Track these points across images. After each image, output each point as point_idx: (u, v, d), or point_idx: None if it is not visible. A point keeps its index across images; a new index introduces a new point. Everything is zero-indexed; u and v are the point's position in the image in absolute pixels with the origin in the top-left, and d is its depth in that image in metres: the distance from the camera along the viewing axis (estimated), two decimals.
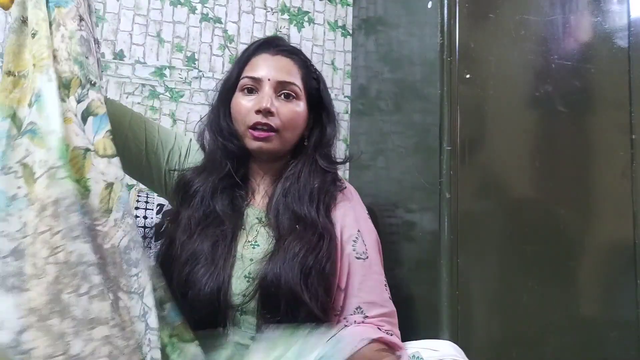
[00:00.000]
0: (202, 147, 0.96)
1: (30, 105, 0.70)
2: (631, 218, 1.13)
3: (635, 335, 1.10)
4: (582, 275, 1.10)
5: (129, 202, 0.72)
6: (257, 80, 0.91)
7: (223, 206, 0.90)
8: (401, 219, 1.16)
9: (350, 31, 1.63)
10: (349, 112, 1.55)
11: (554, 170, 1.10)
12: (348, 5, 1.65)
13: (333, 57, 1.60)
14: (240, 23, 1.53)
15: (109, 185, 0.70)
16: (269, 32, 1.55)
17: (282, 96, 0.91)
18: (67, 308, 0.63)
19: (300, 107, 0.93)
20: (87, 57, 0.74)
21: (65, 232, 0.65)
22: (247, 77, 0.92)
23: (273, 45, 0.95)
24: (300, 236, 0.86)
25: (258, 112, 0.89)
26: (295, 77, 0.92)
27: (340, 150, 1.03)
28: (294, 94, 0.92)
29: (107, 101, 0.91)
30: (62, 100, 0.70)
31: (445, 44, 1.05)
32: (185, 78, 1.44)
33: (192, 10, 1.48)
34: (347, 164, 1.31)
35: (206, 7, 1.49)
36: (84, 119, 0.72)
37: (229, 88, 0.95)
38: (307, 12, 1.61)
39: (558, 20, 1.15)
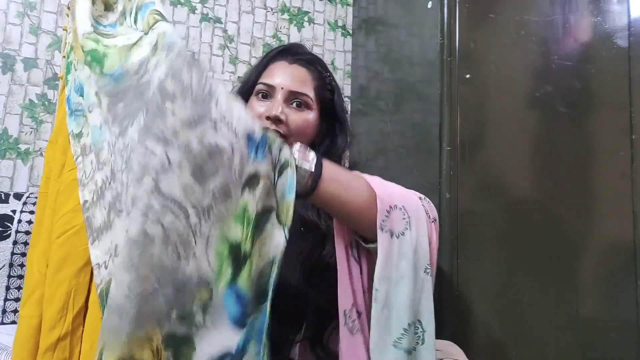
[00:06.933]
0: None
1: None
2: (631, 218, 1.12)
3: (635, 335, 1.10)
4: (582, 275, 1.10)
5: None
6: (271, 87, 0.94)
7: None
8: None
9: (350, 31, 1.63)
10: (349, 112, 1.55)
11: (554, 171, 1.10)
12: (348, 5, 1.64)
13: (333, 57, 1.60)
14: (240, 23, 1.52)
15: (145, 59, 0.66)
16: (269, 32, 1.55)
17: (294, 104, 0.94)
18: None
19: (310, 116, 0.95)
20: None
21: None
22: (262, 83, 0.95)
23: (292, 53, 0.98)
24: (303, 237, 0.88)
25: (268, 118, 0.92)
26: (308, 88, 0.95)
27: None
28: (305, 104, 0.94)
29: None
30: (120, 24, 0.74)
31: (445, 44, 1.05)
32: None
33: (192, 10, 1.48)
34: (347, 163, 1.31)
35: (206, 7, 1.49)
36: (135, 20, 0.73)
37: (245, 91, 0.98)
38: (307, 12, 1.60)
39: (558, 20, 1.14)
